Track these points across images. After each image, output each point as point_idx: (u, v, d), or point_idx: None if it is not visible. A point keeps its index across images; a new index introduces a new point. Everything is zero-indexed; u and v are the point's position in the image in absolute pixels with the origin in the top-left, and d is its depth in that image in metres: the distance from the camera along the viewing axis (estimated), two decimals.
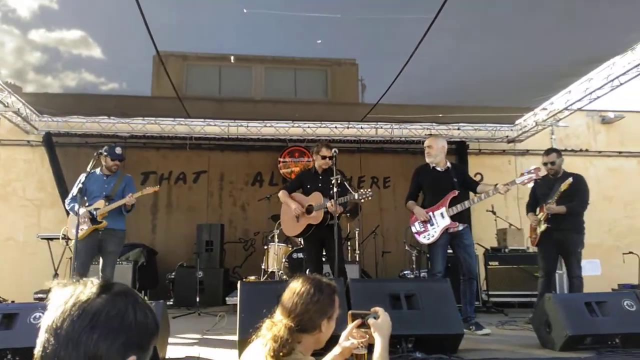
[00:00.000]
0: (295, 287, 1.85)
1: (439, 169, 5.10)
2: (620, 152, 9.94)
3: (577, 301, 3.88)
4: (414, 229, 5.03)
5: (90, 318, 0.90)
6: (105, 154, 5.03)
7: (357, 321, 1.91)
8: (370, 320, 1.88)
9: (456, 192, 4.91)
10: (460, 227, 4.88)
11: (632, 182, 9.86)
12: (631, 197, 9.77)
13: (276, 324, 1.77)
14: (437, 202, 4.94)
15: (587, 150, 9.80)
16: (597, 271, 7.03)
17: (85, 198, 4.98)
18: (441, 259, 4.85)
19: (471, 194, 5.13)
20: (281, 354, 1.70)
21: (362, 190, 4.70)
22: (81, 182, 4.70)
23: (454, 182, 4.95)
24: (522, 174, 4.74)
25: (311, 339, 1.80)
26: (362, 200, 4.71)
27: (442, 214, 4.86)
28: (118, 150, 5.15)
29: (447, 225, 4.83)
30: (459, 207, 4.83)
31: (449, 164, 5.13)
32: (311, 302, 1.79)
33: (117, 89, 7.09)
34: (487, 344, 4.05)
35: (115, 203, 4.98)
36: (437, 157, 5.10)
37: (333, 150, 4.96)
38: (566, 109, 7.82)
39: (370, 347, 1.88)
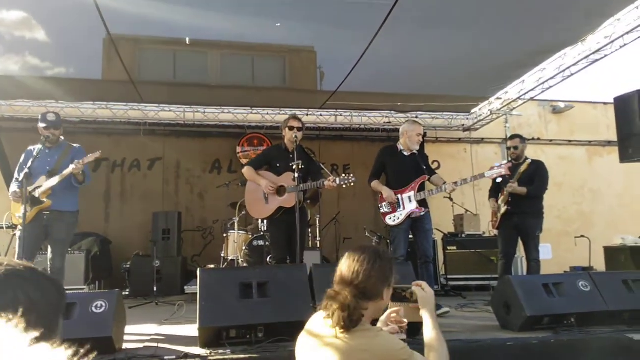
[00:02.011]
0: (354, 256, 1.80)
1: (405, 153, 5.11)
2: (569, 141, 10.34)
3: (535, 283, 3.99)
4: (382, 210, 5.03)
5: None
6: (40, 124, 4.40)
7: (397, 308, 1.91)
8: (418, 291, 1.87)
9: (426, 177, 4.97)
10: (423, 212, 4.93)
11: (580, 169, 10.29)
12: (579, 183, 10.20)
13: (340, 293, 1.71)
14: (403, 185, 4.95)
15: (538, 139, 10.13)
16: (548, 255, 7.30)
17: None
18: (403, 244, 4.89)
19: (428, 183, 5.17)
20: (351, 322, 1.65)
21: (344, 175, 4.49)
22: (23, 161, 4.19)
23: (422, 168, 5.00)
24: (492, 168, 4.76)
25: (374, 307, 1.78)
26: (344, 186, 4.48)
27: (410, 197, 4.89)
28: (50, 116, 4.43)
29: (413, 210, 4.87)
30: (427, 193, 4.91)
31: (415, 151, 5.13)
32: (373, 268, 1.76)
33: (64, 73, 6.75)
34: (448, 327, 4.11)
35: (59, 175, 4.27)
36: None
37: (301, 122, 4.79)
38: (519, 98, 8.03)
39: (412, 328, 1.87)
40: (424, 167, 5.02)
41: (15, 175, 4.36)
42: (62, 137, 4.59)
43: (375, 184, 5.12)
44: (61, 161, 4.40)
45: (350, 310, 1.65)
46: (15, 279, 0.86)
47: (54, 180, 4.27)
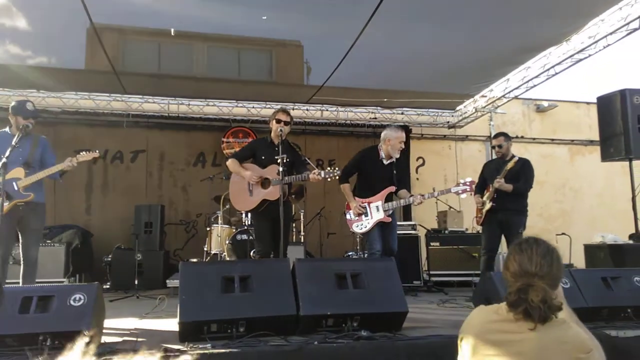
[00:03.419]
0: (529, 248, 1.76)
1: (385, 161, 5.12)
2: (552, 140, 10.46)
3: None
4: (347, 217, 5.10)
5: None
6: (14, 112, 4.25)
7: None
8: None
9: (394, 189, 5.04)
10: (390, 220, 5.02)
11: (562, 168, 10.42)
12: (561, 182, 10.33)
13: (534, 285, 1.66)
14: (373, 193, 5.02)
15: (522, 137, 10.23)
16: None
17: None
18: (378, 238, 4.94)
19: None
20: (552, 313, 1.62)
21: (329, 169, 4.47)
22: None
23: (393, 177, 5.06)
24: (458, 184, 5.00)
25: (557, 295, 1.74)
26: (329, 179, 4.48)
27: (377, 207, 4.97)
28: (29, 105, 4.31)
29: (381, 219, 4.96)
30: (394, 204, 4.99)
31: (394, 159, 5.13)
32: (555, 259, 1.74)
33: (46, 62, 6.63)
34: (430, 322, 4.14)
35: (45, 170, 4.23)
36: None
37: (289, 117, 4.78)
38: (504, 96, 8.09)
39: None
40: (396, 180, 5.07)
41: None
42: None
43: (345, 187, 5.13)
44: (33, 152, 4.32)
45: (549, 301, 1.63)
46: None
47: (41, 174, 4.24)
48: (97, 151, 4.42)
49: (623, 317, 3.97)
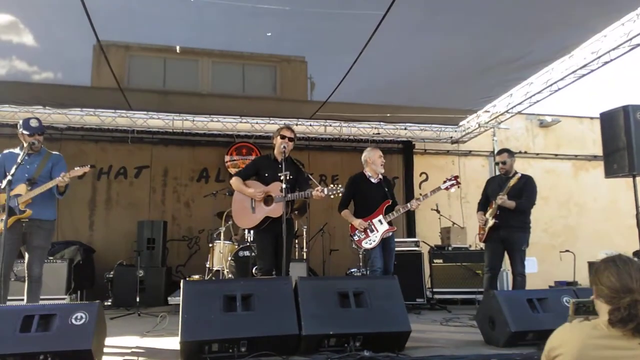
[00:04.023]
0: (624, 264, 1.77)
1: (373, 180, 5.37)
2: (556, 155, 10.42)
3: (519, 298, 3.99)
4: (356, 237, 5.29)
5: None
6: (20, 129, 4.29)
7: None
8: None
9: (389, 202, 5.29)
10: (393, 230, 5.30)
11: (566, 183, 10.37)
12: (565, 197, 10.27)
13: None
14: (371, 211, 5.25)
15: (525, 152, 10.20)
16: (533, 269, 7.31)
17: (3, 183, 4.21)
18: (379, 257, 5.14)
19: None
20: None
21: (332, 186, 4.52)
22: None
23: (386, 192, 5.32)
24: (444, 181, 5.33)
25: None
26: (332, 196, 4.57)
27: (380, 220, 5.22)
28: (33, 122, 4.33)
29: (386, 230, 5.20)
30: (394, 214, 5.23)
31: (381, 176, 5.40)
32: None
33: (52, 78, 6.69)
34: (433, 342, 4.10)
35: (41, 186, 4.20)
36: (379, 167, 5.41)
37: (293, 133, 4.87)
38: (507, 111, 8.08)
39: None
40: (386, 190, 5.34)
41: None
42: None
43: (345, 213, 5.35)
44: (41, 169, 4.33)
45: None
46: None
47: (37, 191, 4.20)
48: (89, 166, 4.38)
49: None
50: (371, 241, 5.18)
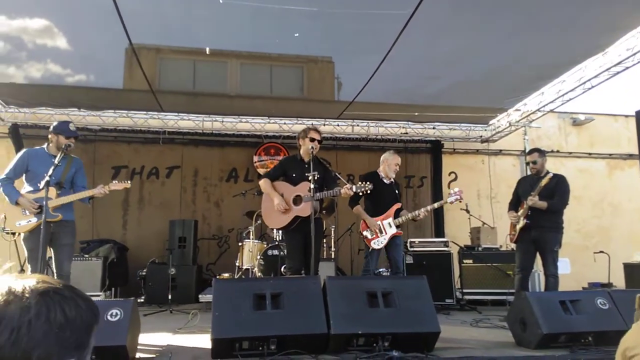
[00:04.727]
0: None
1: (385, 181, 5.54)
2: (589, 154, 10.18)
3: (552, 299, 3.92)
4: (365, 235, 5.45)
5: (9, 333, 0.79)
6: (56, 131, 4.34)
7: None
8: None
9: (399, 205, 5.50)
10: (402, 232, 5.53)
11: (600, 182, 10.11)
12: (599, 197, 10.02)
13: None
14: (381, 211, 5.44)
15: (558, 151, 9.99)
16: (566, 270, 7.17)
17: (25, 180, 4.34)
18: (376, 259, 5.43)
19: None
20: None
21: (360, 183, 4.60)
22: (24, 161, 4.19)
23: (396, 194, 5.56)
24: (450, 194, 5.49)
25: None
26: (361, 193, 4.68)
27: (389, 223, 5.41)
28: (72, 126, 4.41)
29: (395, 233, 5.40)
30: (403, 219, 5.44)
31: (392, 179, 5.61)
32: None
33: (84, 80, 6.88)
34: (463, 343, 4.07)
35: (77, 194, 4.31)
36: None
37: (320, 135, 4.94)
38: (539, 110, 7.93)
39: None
40: (397, 193, 5.58)
41: (7, 173, 4.31)
42: None
43: (358, 209, 5.50)
44: (66, 173, 4.41)
45: None
46: (55, 296, 0.88)
47: (71, 197, 4.32)
48: (129, 182, 4.56)
49: None
50: (380, 242, 5.36)
